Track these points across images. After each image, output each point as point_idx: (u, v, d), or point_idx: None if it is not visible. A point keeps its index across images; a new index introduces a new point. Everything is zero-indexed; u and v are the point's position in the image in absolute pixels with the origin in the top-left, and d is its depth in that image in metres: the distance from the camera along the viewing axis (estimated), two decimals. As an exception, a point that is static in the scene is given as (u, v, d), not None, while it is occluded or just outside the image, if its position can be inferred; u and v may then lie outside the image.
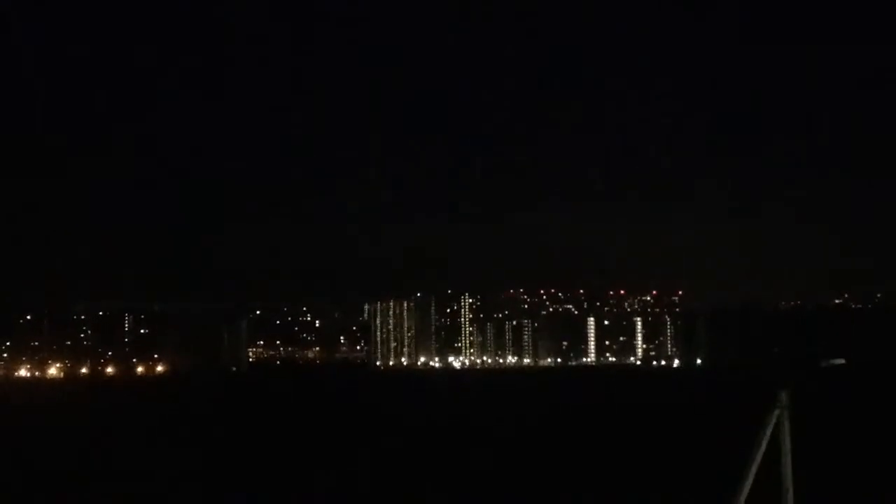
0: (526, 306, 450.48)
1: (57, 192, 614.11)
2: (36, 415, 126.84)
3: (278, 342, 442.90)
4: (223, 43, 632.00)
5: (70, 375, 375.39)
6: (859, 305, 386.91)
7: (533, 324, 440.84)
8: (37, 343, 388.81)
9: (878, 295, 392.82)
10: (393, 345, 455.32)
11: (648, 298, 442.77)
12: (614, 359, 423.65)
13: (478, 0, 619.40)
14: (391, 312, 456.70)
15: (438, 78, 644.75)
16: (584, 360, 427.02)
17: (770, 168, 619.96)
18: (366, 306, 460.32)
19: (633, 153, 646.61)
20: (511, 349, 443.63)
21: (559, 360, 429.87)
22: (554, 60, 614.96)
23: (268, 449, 68.51)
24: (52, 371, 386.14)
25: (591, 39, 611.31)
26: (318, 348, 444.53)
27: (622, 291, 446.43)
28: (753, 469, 9.89)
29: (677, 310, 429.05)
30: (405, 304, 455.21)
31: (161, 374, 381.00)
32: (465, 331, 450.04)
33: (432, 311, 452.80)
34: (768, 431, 9.94)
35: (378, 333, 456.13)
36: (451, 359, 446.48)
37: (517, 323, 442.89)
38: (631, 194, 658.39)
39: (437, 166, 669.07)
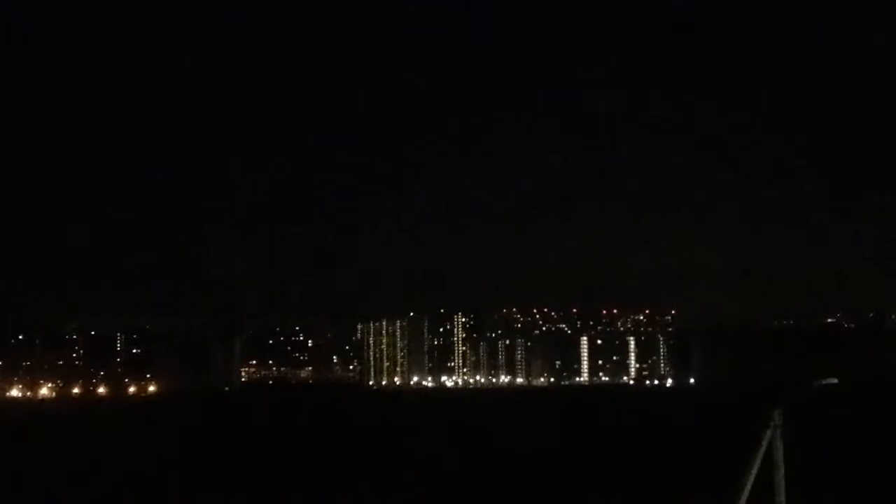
0: (519, 325, 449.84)
1: (48, 211, 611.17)
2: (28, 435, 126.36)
3: (271, 361, 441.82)
4: (217, 45, 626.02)
5: (62, 395, 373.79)
6: (852, 325, 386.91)
7: (526, 343, 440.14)
8: (29, 363, 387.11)
9: (871, 314, 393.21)
10: (386, 364, 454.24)
11: (641, 318, 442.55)
12: (607, 378, 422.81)
13: (480, 14, 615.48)
14: (384, 332, 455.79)
15: (429, 96, 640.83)
16: (578, 379, 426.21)
17: (765, 190, 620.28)
18: (359, 326, 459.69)
19: (628, 174, 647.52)
20: (504, 368, 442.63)
21: (552, 379, 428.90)
22: (552, 76, 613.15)
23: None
24: (44, 391, 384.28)
25: (594, 53, 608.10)
26: (310, 368, 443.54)
27: (615, 311, 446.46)
28: (748, 486, 10.16)
29: (670, 329, 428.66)
30: (398, 324, 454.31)
31: (153, 394, 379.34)
32: (458, 350, 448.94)
33: (425, 330, 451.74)
34: (762, 449, 10.22)
35: (371, 353, 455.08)
36: (444, 378, 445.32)
37: (510, 342, 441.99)
38: (623, 214, 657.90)
39: (430, 185, 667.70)
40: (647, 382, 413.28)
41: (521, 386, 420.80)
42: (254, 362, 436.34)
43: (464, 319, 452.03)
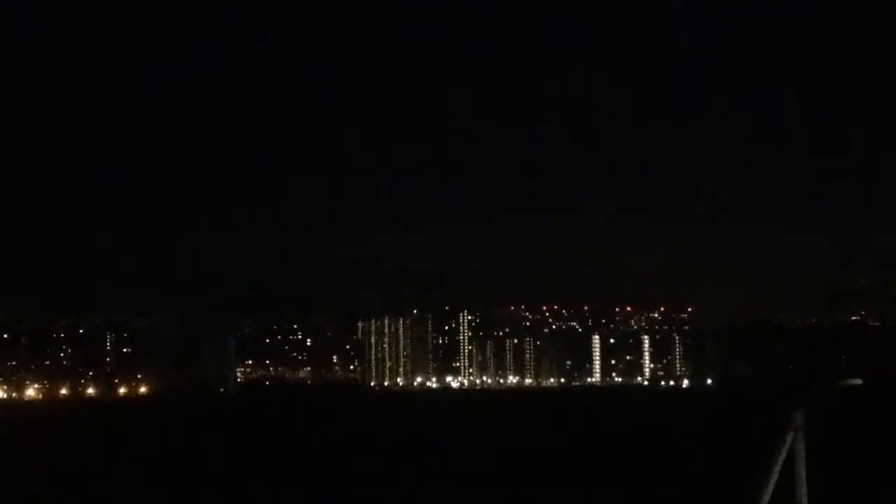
0: (528, 323, 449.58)
1: (34, 204, 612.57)
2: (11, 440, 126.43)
3: (268, 361, 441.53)
4: (211, 45, 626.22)
5: (49, 396, 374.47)
6: (877, 323, 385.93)
7: (535, 342, 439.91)
8: (14, 362, 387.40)
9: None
10: (388, 364, 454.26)
11: (656, 315, 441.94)
12: (620, 379, 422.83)
13: (481, 15, 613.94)
14: (386, 330, 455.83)
15: (433, 91, 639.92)
16: (589, 379, 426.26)
17: (786, 183, 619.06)
18: (360, 324, 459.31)
19: (643, 167, 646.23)
20: (512, 369, 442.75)
21: (563, 380, 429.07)
22: (558, 73, 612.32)
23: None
24: (31, 392, 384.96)
25: (601, 50, 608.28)
26: (309, 368, 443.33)
27: (629, 308, 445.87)
28: (768, 493, 9.96)
29: (686, 327, 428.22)
30: (401, 322, 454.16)
31: (144, 396, 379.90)
32: (463, 349, 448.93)
33: (429, 328, 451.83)
34: (783, 454, 10.02)
35: (373, 352, 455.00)
36: (448, 379, 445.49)
37: (518, 341, 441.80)
38: (638, 208, 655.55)
39: (435, 179, 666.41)
40: (663, 383, 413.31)
41: (529, 387, 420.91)
42: (250, 362, 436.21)
43: (470, 317, 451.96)
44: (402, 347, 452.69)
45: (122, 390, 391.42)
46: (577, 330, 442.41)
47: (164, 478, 68.56)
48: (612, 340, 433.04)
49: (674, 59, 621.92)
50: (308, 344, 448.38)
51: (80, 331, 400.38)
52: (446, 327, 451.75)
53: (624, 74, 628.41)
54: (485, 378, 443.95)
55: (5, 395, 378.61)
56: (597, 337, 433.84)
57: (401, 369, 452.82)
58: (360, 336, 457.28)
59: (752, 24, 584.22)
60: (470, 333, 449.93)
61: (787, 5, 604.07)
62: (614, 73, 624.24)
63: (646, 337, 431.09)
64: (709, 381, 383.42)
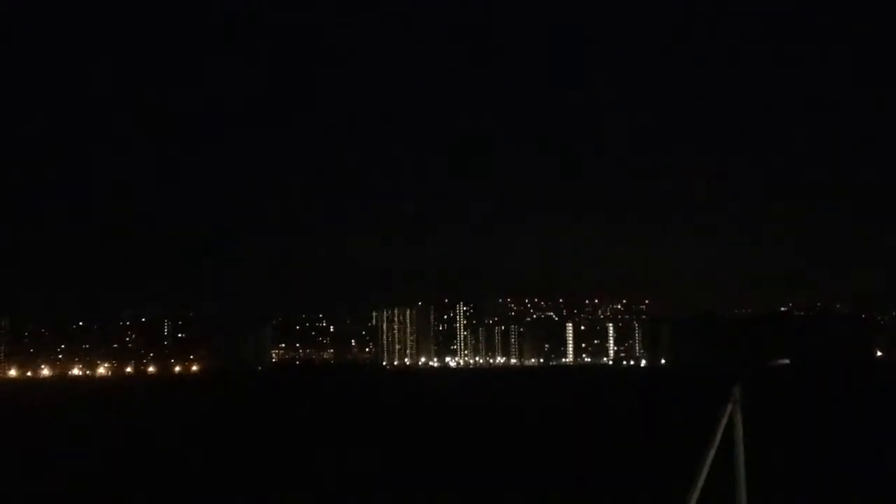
0: (513, 313, 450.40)
1: (110, 212, 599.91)
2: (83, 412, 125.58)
3: (298, 345, 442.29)
4: (230, 48, 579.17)
5: (116, 374, 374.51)
6: (802, 313, 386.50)
7: (519, 329, 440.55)
8: (88, 346, 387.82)
9: (818, 304, 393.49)
10: (397, 347, 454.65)
11: (619, 307, 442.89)
12: (589, 359, 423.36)
13: (481, 15, 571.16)
14: (396, 319, 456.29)
15: (434, 91, 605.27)
16: (564, 360, 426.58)
17: (724, 193, 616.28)
18: (374, 314, 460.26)
19: (605, 180, 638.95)
20: (500, 351, 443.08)
21: (541, 360, 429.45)
22: (558, 73, 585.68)
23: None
24: (101, 370, 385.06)
25: (581, 59, 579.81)
26: (332, 350, 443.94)
27: (597, 300, 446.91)
28: (709, 458, 9.42)
29: (644, 317, 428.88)
30: (408, 312, 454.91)
31: (196, 373, 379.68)
32: (460, 335, 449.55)
33: (431, 317, 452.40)
34: (723, 422, 9.51)
35: (384, 337, 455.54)
36: (447, 359, 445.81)
37: (505, 328, 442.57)
38: (606, 215, 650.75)
39: (433, 187, 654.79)
40: (624, 363, 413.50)
41: (514, 366, 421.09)
42: (282, 345, 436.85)
43: (465, 308, 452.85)
44: (409, 333, 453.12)
45: (177, 369, 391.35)
46: (554, 319, 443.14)
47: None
48: (582, 327, 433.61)
49: (674, 58, 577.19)
50: (331, 330, 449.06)
51: (143, 319, 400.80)
52: (445, 316, 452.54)
53: (624, 74, 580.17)
54: (477, 358, 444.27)
55: (80, 373, 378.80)
56: (570, 324, 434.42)
57: (408, 351, 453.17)
58: (374, 323, 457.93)
59: (753, 24, 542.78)
60: (465, 321, 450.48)
61: (787, 5, 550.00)
62: (614, 72, 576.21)
63: (610, 325, 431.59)
64: (662, 362, 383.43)
